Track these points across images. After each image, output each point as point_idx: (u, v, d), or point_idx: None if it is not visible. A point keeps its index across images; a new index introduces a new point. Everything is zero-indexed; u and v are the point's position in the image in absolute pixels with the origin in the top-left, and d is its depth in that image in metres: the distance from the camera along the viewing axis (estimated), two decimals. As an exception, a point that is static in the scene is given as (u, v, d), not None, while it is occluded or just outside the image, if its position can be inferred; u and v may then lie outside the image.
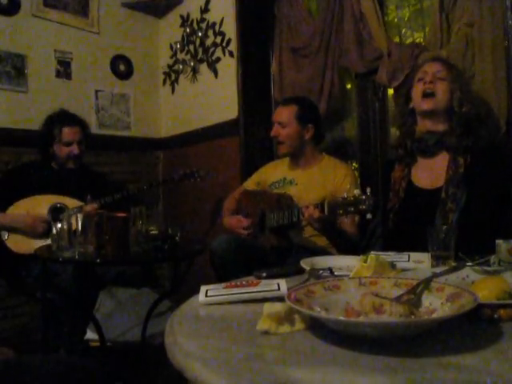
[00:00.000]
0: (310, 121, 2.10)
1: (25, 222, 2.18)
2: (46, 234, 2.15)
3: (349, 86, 2.52)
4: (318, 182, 2.06)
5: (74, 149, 2.35)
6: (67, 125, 2.35)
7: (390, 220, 1.62)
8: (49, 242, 1.99)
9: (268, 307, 0.71)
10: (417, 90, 1.62)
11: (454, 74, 1.59)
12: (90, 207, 2.16)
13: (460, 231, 1.17)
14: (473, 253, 1.05)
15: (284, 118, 2.09)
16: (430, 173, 1.59)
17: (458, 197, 1.45)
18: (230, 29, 2.82)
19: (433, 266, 1.08)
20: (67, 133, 2.34)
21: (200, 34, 3.06)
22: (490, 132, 1.59)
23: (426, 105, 1.57)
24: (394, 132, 2.25)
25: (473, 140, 1.51)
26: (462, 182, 1.47)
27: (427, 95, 1.57)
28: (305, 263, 1.15)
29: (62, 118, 2.37)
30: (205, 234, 2.92)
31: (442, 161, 1.57)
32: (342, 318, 0.69)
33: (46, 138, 2.36)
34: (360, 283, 0.81)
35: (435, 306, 0.72)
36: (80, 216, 1.71)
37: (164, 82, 3.47)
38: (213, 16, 2.97)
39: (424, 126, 1.61)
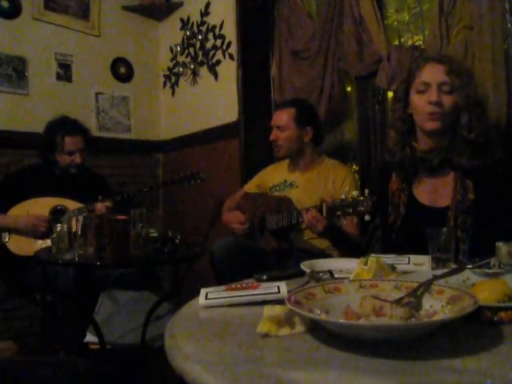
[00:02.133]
0: (309, 123, 2.10)
1: (27, 222, 2.18)
2: (48, 234, 2.14)
3: (349, 89, 2.52)
4: (318, 184, 2.07)
5: (77, 158, 2.34)
6: (69, 134, 2.33)
7: (392, 236, 1.48)
8: (49, 243, 1.99)
9: (268, 310, 0.71)
10: (420, 105, 1.40)
11: (462, 84, 1.36)
12: (103, 206, 2.17)
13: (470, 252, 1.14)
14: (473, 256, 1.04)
15: (282, 121, 2.10)
16: (434, 190, 1.45)
17: (467, 226, 1.28)
18: (230, 32, 2.83)
19: (433, 269, 1.08)
20: (69, 142, 2.33)
21: (200, 37, 3.07)
22: (496, 150, 1.40)
23: (431, 125, 1.38)
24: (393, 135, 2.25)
25: (482, 160, 1.35)
26: (472, 210, 1.32)
27: (434, 114, 1.37)
28: (305, 266, 1.15)
29: (63, 126, 2.36)
30: (205, 237, 2.92)
31: (447, 179, 1.42)
32: (342, 320, 0.69)
33: (47, 146, 2.35)
34: (360, 286, 0.81)
35: (435, 308, 0.72)
36: (80, 218, 1.72)
37: (164, 84, 3.48)
38: (213, 19, 2.98)
39: (426, 142, 1.44)
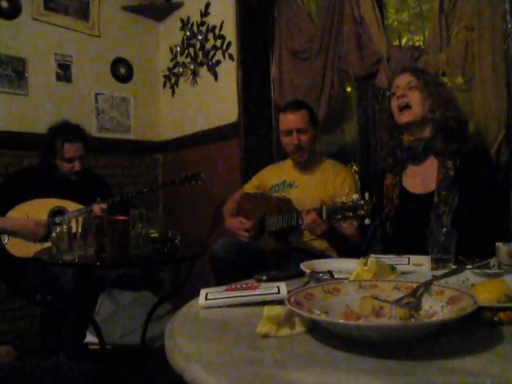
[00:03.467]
0: (317, 123, 2.12)
1: (26, 226, 2.18)
2: (47, 238, 2.14)
3: (349, 89, 2.52)
4: (318, 185, 2.06)
5: (76, 165, 2.33)
6: (69, 141, 2.31)
7: (387, 227, 1.65)
8: (49, 245, 1.99)
9: (268, 310, 0.71)
10: (393, 104, 1.66)
11: (424, 81, 1.62)
12: (99, 208, 2.16)
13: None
14: (471, 254, 1.05)
15: (303, 123, 2.04)
16: (422, 178, 1.62)
17: (449, 199, 1.49)
18: (230, 32, 2.83)
19: (433, 269, 1.08)
20: (69, 149, 2.31)
21: (200, 38, 3.06)
22: (474, 133, 1.65)
23: (403, 118, 1.61)
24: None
25: (458, 143, 1.54)
26: (453, 185, 1.50)
27: (403, 108, 1.61)
28: (305, 266, 1.15)
29: (64, 132, 2.33)
30: (205, 237, 2.92)
31: (431, 165, 1.60)
32: (341, 320, 0.69)
33: (47, 151, 2.34)
34: (360, 286, 0.81)
35: (435, 309, 0.72)
36: (80, 219, 1.72)
37: (164, 85, 3.48)
38: (213, 19, 2.98)
39: (410, 135, 1.65)
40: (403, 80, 1.65)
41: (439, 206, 1.49)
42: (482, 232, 1.43)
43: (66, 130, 2.35)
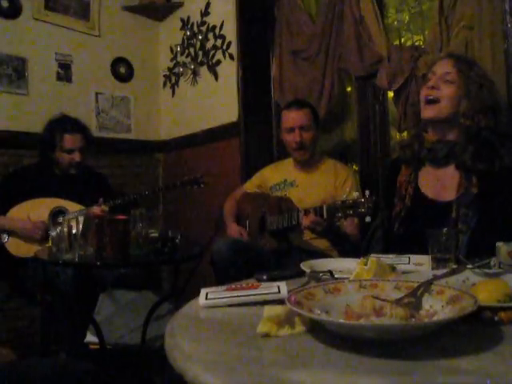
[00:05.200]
0: (319, 123, 2.12)
1: (23, 228, 2.17)
2: (45, 240, 2.14)
3: (349, 89, 2.52)
4: (318, 184, 2.07)
5: (76, 156, 2.32)
6: (68, 132, 2.31)
7: (395, 227, 1.50)
8: (47, 245, 1.99)
9: (268, 310, 0.71)
10: (422, 93, 1.46)
11: (466, 76, 1.39)
12: (99, 209, 2.16)
13: (469, 251, 1.14)
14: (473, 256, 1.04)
15: (306, 121, 2.05)
16: (439, 183, 1.46)
17: (468, 218, 1.33)
18: (231, 32, 2.83)
19: (433, 269, 1.08)
20: (68, 140, 2.31)
21: (200, 37, 3.07)
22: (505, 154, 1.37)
23: (427, 112, 1.43)
24: (393, 134, 2.25)
25: (488, 162, 1.34)
26: (474, 203, 1.34)
27: (430, 102, 1.41)
28: (305, 266, 1.15)
29: (63, 124, 2.34)
30: (205, 237, 2.91)
31: (451, 173, 1.43)
32: (342, 320, 0.69)
33: (47, 144, 2.33)
34: (360, 286, 0.81)
35: (435, 308, 0.72)
36: (80, 219, 1.72)
37: (164, 84, 3.48)
38: (213, 19, 2.98)
39: (433, 133, 1.47)
40: (442, 68, 1.42)
41: (457, 224, 1.34)
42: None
43: (65, 122, 2.36)
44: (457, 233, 1.30)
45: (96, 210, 2.16)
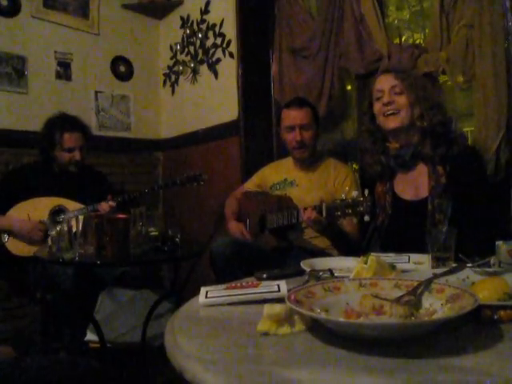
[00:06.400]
0: (319, 122, 2.12)
1: (22, 228, 2.17)
2: (43, 241, 2.13)
3: (349, 88, 2.52)
4: (318, 183, 2.06)
5: (76, 155, 2.32)
6: (68, 130, 2.31)
7: (381, 236, 1.62)
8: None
9: (268, 308, 0.71)
10: (377, 109, 1.58)
11: (410, 84, 1.55)
12: (107, 205, 2.16)
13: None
14: (471, 254, 1.05)
15: (306, 120, 2.04)
16: (413, 184, 1.57)
17: (443, 207, 1.45)
18: (230, 30, 2.82)
19: (433, 267, 1.08)
20: (68, 139, 2.30)
21: (200, 36, 3.06)
22: (457, 136, 1.57)
23: (390, 124, 1.55)
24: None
25: (446, 147, 1.50)
26: (446, 191, 1.47)
27: (390, 114, 1.54)
28: (305, 264, 1.15)
29: (62, 122, 2.33)
30: (205, 236, 2.92)
31: (421, 172, 1.55)
32: (341, 319, 0.69)
33: (46, 142, 2.33)
34: (360, 284, 0.81)
35: (435, 307, 0.72)
36: (80, 218, 1.72)
37: (164, 83, 3.47)
38: (213, 17, 2.98)
39: (396, 141, 1.58)
40: (386, 84, 1.57)
41: (434, 215, 1.46)
42: (481, 233, 1.39)
43: (65, 121, 2.35)
44: (435, 223, 1.43)
45: (104, 205, 2.17)
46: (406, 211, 1.56)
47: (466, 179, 1.47)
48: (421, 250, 1.17)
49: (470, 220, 1.41)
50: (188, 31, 3.18)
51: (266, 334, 0.69)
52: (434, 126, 1.51)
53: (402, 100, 1.54)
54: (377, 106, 1.59)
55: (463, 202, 1.44)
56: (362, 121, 1.71)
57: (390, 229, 1.59)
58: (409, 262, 1.15)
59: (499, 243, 1.02)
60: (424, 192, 1.52)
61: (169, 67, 3.40)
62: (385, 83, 1.58)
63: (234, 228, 2.11)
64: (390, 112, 1.54)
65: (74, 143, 2.32)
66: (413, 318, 0.68)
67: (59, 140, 2.29)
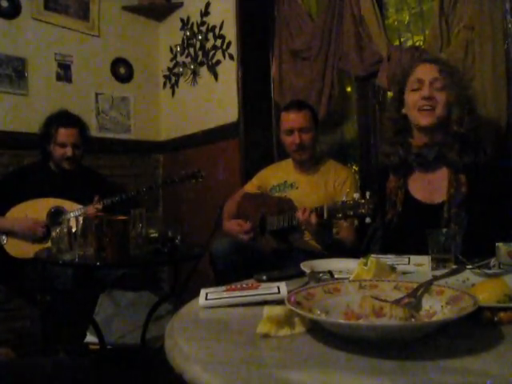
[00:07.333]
0: (318, 124, 2.12)
1: (24, 226, 2.17)
2: (45, 238, 2.14)
3: (349, 90, 2.52)
4: (318, 185, 2.06)
5: (68, 151, 2.32)
6: (63, 126, 2.32)
7: (389, 233, 1.54)
8: (46, 245, 1.99)
9: (268, 310, 0.71)
10: (414, 101, 1.46)
11: (453, 81, 1.43)
12: (92, 209, 2.16)
13: (464, 251, 1.14)
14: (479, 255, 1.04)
15: (305, 122, 2.04)
16: (429, 186, 1.49)
17: (460, 218, 1.36)
18: (230, 32, 2.83)
19: (433, 269, 1.08)
20: (62, 134, 2.31)
21: (200, 37, 3.07)
22: (487, 146, 1.47)
23: (425, 120, 1.44)
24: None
25: (473, 157, 1.41)
26: (466, 203, 1.37)
27: (425, 110, 1.43)
28: (305, 266, 1.15)
29: (59, 118, 2.36)
30: (205, 237, 2.91)
31: (441, 175, 1.47)
32: (341, 320, 0.69)
33: (43, 137, 2.35)
34: (360, 286, 0.81)
35: (435, 309, 0.72)
36: (80, 219, 1.71)
37: (164, 84, 3.48)
38: (213, 19, 2.98)
39: (421, 139, 1.49)
40: (428, 75, 1.44)
41: (449, 224, 1.36)
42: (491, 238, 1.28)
43: (62, 116, 2.37)
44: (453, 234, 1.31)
45: (90, 209, 2.16)
46: (417, 212, 1.48)
47: (490, 194, 1.37)
48: (425, 253, 1.14)
49: (485, 235, 1.27)
50: (188, 33, 3.18)
51: (266, 335, 0.68)
52: (469, 132, 1.41)
53: (441, 96, 1.42)
54: (413, 97, 1.46)
55: (481, 216, 1.35)
56: (387, 107, 1.59)
57: (398, 227, 1.50)
58: (409, 263, 1.15)
59: (499, 245, 1.02)
60: (439, 197, 1.44)
61: (169, 69, 3.40)
62: (427, 74, 1.45)
63: (230, 225, 2.12)
64: (428, 107, 1.42)
65: (68, 139, 2.32)
66: (413, 320, 0.68)
67: (54, 134, 2.31)
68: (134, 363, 1.99)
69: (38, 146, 2.41)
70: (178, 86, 3.35)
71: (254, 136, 2.76)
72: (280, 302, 0.76)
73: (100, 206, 2.18)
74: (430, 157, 1.46)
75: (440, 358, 0.58)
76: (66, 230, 1.72)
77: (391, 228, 1.52)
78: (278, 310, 0.70)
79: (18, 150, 2.75)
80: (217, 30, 2.94)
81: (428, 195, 1.48)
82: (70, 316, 2.08)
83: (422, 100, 1.43)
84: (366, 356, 0.59)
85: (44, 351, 2.10)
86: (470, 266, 0.96)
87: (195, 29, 3.13)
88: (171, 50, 3.37)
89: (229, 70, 2.85)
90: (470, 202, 1.37)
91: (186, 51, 3.22)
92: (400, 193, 1.52)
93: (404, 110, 1.53)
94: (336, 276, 1.02)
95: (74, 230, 1.72)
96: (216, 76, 2.97)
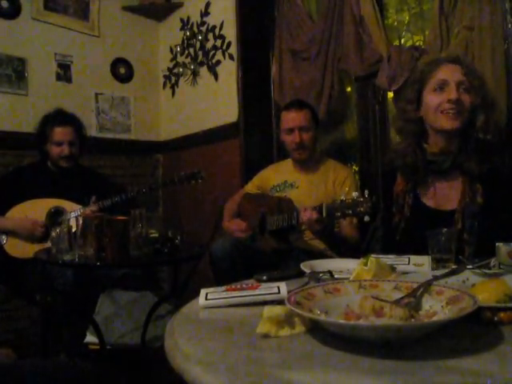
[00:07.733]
0: (318, 123, 2.12)
1: (23, 226, 2.17)
2: (45, 238, 2.14)
3: (349, 89, 2.52)
4: (318, 185, 2.07)
5: (65, 149, 2.31)
6: (58, 124, 2.32)
7: (396, 236, 1.45)
8: (46, 246, 1.99)
9: (268, 310, 0.71)
10: (437, 103, 1.35)
11: (479, 85, 1.35)
12: (89, 210, 2.16)
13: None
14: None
15: (306, 122, 2.05)
16: (440, 192, 1.42)
17: (474, 229, 1.30)
18: (230, 32, 2.83)
19: (433, 269, 1.08)
20: (58, 132, 2.31)
21: (200, 37, 3.07)
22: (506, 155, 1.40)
23: (449, 124, 1.33)
24: (393, 136, 2.25)
25: (492, 164, 1.34)
26: (480, 214, 1.31)
27: (450, 114, 1.33)
28: (305, 266, 1.15)
29: (54, 117, 2.35)
30: (205, 237, 2.91)
31: (454, 183, 1.39)
32: (341, 320, 0.69)
33: (39, 137, 2.35)
34: (360, 286, 0.81)
35: (435, 309, 0.72)
36: (80, 219, 1.71)
37: (164, 85, 3.48)
38: (213, 19, 2.98)
39: (437, 144, 1.40)
40: (453, 76, 1.34)
41: (462, 234, 1.30)
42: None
43: (57, 115, 2.37)
44: (463, 244, 1.28)
45: (86, 211, 2.16)
46: (426, 219, 1.39)
47: (501, 204, 1.30)
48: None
49: (491, 243, 1.18)
50: (188, 33, 3.18)
51: (265, 335, 0.68)
52: (492, 140, 1.33)
53: (467, 101, 1.33)
54: (437, 99, 1.35)
55: (495, 225, 1.27)
56: (405, 108, 1.46)
57: (404, 232, 1.43)
58: (409, 263, 1.15)
59: (499, 245, 1.02)
60: (451, 205, 1.37)
61: (169, 69, 3.40)
62: (452, 75, 1.35)
63: (229, 225, 2.12)
64: (453, 111, 1.32)
65: (63, 137, 2.31)
66: (413, 320, 0.68)
67: (50, 133, 2.31)
68: (134, 363, 1.99)
69: (36, 146, 2.40)
70: (177, 86, 3.35)
71: (254, 136, 2.76)
72: (280, 302, 0.76)
73: (95, 208, 2.17)
74: (445, 164, 1.38)
75: (440, 358, 0.58)
76: (65, 230, 1.72)
77: (398, 232, 1.45)
78: (277, 310, 0.70)
79: (18, 150, 2.75)
80: (217, 30, 2.94)
81: (439, 202, 1.42)
82: (70, 316, 2.08)
83: (447, 103, 1.33)
84: (366, 356, 0.59)
85: (44, 351, 2.09)
86: (470, 266, 0.96)
87: (195, 29, 3.13)
88: (171, 50, 3.37)
89: (229, 70, 2.85)
90: (485, 213, 1.31)
91: (186, 51, 3.22)
92: (408, 197, 1.45)
93: (420, 112, 1.43)
94: (336, 276, 1.02)
95: (73, 230, 1.72)
96: (216, 76, 2.97)
